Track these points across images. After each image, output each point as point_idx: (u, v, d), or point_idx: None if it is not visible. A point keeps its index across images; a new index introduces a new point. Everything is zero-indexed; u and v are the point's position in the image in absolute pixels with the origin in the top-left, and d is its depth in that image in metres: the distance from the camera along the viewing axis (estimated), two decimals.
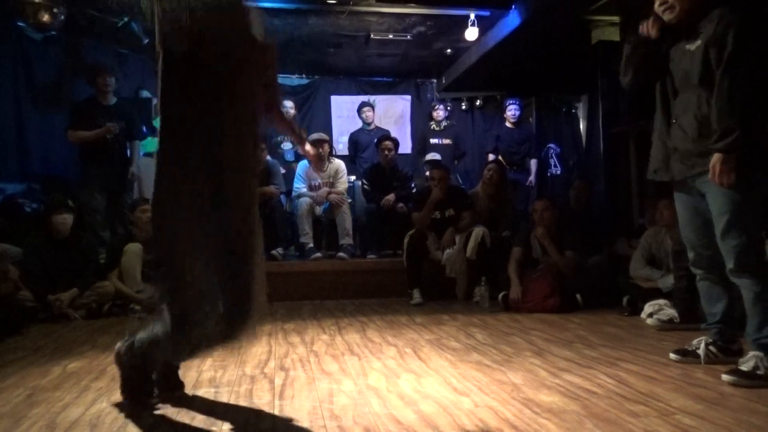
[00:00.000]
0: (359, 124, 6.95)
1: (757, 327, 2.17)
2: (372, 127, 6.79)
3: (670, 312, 3.40)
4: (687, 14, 2.29)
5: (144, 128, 5.79)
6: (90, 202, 4.98)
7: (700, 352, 2.41)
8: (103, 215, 5.11)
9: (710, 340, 2.43)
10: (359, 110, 6.85)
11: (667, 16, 2.33)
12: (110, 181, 5.09)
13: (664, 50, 2.40)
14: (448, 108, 7.25)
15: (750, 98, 2.12)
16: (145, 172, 5.61)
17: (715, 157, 2.15)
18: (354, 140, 6.82)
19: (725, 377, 2.11)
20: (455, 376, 2.29)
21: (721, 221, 2.18)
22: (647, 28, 2.37)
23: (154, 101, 6.14)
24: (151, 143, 6.10)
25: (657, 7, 2.35)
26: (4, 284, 3.66)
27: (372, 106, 6.87)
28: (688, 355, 2.45)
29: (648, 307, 3.56)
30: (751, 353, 2.16)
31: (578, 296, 4.07)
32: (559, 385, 2.12)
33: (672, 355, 2.50)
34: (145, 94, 6.21)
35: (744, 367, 2.12)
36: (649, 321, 3.45)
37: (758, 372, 2.09)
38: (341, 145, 7.66)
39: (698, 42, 2.23)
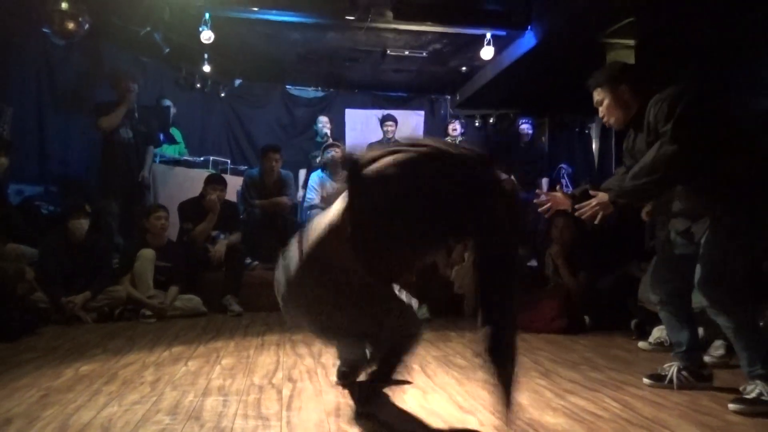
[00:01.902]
0: (372, 138, 6.98)
1: (748, 362, 2.21)
2: (392, 141, 6.83)
3: (658, 335, 3.41)
4: (630, 117, 2.39)
5: (161, 136, 5.89)
6: (106, 207, 5.07)
7: (673, 378, 2.45)
8: (118, 220, 5.19)
9: (681, 366, 2.47)
10: (382, 123, 6.83)
11: (614, 127, 2.47)
12: (127, 186, 5.18)
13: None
14: (463, 124, 7.30)
15: (670, 173, 2.17)
16: (159, 180, 5.71)
17: (602, 196, 2.34)
18: None
19: (731, 406, 2.12)
20: (461, 393, 2.31)
21: (705, 262, 2.23)
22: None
23: (172, 110, 6.25)
24: (168, 149, 6.20)
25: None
26: (21, 285, 3.72)
27: (395, 121, 6.80)
28: (661, 380, 2.48)
29: (656, 331, 3.54)
30: (752, 383, 2.18)
31: (586, 318, 4.06)
32: (564, 407, 2.13)
33: (645, 380, 2.53)
34: (166, 102, 6.30)
35: (748, 396, 2.14)
36: (641, 344, 3.46)
37: (763, 398, 2.11)
38: None
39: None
